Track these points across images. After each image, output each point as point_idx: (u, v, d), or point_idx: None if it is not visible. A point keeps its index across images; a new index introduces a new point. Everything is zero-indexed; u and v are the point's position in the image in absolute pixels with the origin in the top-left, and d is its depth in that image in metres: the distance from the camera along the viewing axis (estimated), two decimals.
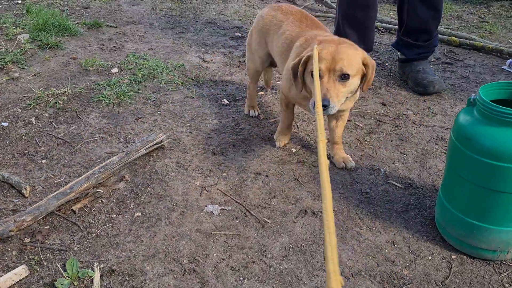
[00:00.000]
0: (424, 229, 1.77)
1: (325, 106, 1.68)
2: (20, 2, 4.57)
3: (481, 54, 3.51)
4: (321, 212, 1.85)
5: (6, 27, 3.58)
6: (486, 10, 4.46)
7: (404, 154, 2.24)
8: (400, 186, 2.01)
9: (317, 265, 1.59)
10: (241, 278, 1.53)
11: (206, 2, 4.96)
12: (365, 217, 1.83)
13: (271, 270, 1.57)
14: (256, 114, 2.56)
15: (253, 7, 4.84)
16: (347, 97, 1.83)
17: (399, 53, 3.09)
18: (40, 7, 3.96)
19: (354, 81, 1.78)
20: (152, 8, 4.71)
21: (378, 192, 1.97)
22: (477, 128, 1.48)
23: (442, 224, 1.71)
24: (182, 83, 2.92)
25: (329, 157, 2.17)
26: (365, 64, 1.80)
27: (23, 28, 3.57)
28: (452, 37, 3.69)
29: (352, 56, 1.75)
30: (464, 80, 3.09)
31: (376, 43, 3.73)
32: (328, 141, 2.21)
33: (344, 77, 1.73)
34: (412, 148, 2.29)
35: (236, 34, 3.93)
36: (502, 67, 3.25)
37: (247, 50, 2.52)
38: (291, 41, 2.12)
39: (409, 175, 2.08)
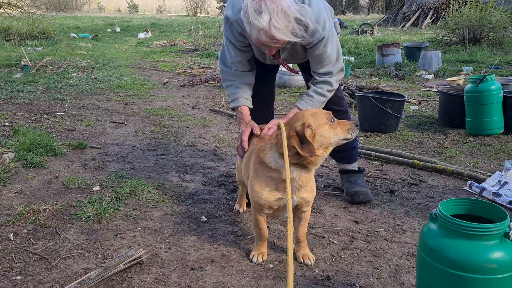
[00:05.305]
0: None
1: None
2: (7, 124, 4.78)
3: (443, 176, 3.76)
4: None
5: None
6: (444, 137, 4.87)
7: (378, 269, 2.30)
8: None
9: None
10: None
11: (187, 127, 5.27)
12: None
13: None
14: (241, 211, 2.89)
15: (231, 132, 5.16)
16: None
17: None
18: (27, 128, 4.15)
19: None
20: (135, 131, 4.97)
21: None
22: (440, 240, 1.60)
23: None
24: (163, 201, 3.01)
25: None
26: None
27: (8, 148, 3.71)
28: (415, 160, 3.98)
29: None
30: (429, 200, 3.27)
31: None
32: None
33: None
34: (386, 264, 2.36)
35: (215, 156, 4.15)
36: (463, 187, 3.48)
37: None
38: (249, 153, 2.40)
39: None
